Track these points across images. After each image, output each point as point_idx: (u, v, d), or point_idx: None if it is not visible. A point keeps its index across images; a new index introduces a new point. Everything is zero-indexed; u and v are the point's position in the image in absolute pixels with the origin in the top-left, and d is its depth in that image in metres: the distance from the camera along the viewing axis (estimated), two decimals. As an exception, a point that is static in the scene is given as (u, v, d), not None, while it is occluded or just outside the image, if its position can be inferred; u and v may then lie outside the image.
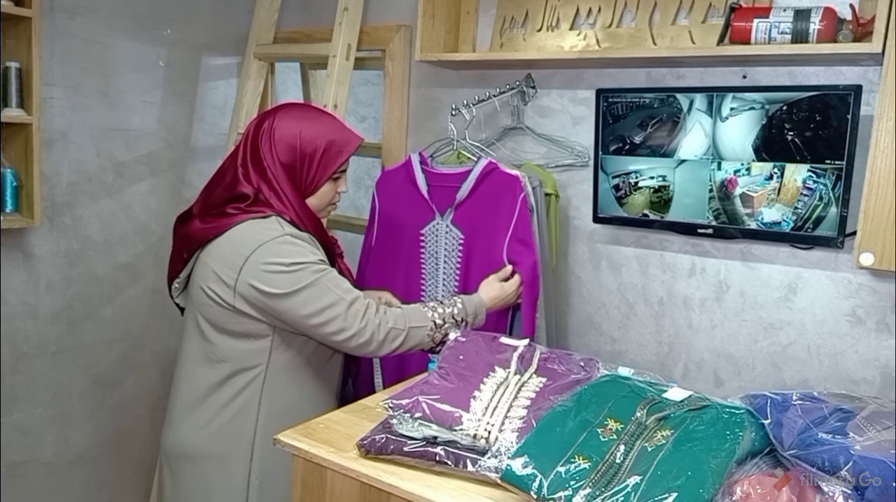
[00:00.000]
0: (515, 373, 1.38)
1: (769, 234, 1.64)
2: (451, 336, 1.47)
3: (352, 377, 1.90)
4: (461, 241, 1.85)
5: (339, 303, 1.44)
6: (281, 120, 1.51)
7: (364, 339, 1.45)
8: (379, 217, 1.98)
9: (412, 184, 1.90)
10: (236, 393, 1.51)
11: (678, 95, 1.69)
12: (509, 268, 1.76)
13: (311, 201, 1.55)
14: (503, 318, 1.83)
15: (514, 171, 1.81)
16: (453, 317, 1.56)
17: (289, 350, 1.53)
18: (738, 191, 1.64)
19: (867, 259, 1.38)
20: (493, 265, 1.79)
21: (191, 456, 1.54)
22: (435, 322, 1.53)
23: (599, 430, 1.11)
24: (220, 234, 1.47)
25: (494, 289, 1.70)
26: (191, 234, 1.53)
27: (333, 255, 1.61)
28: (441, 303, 1.59)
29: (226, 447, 1.52)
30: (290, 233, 1.47)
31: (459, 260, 1.86)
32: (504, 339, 1.51)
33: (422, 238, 1.90)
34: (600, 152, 1.83)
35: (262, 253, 1.42)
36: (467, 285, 1.84)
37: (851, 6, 1.53)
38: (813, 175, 1.54)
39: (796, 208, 1.57)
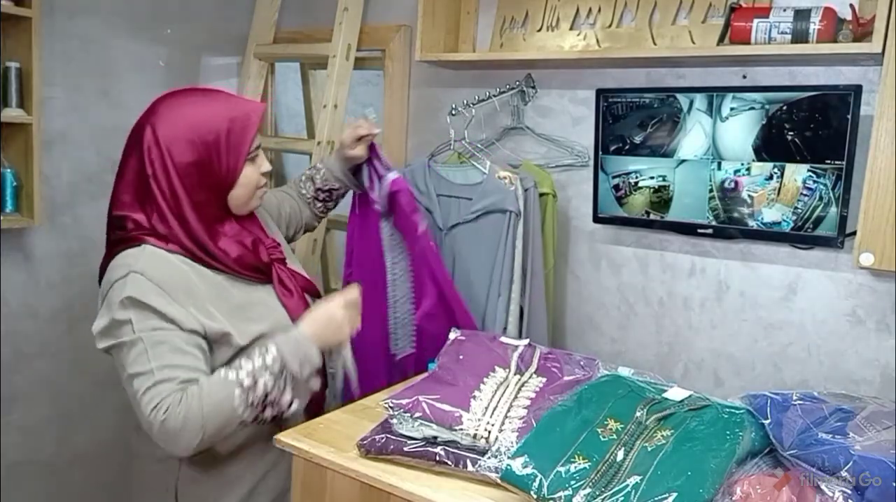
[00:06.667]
0: (515, 373, 1.39)
1: (769, 234, 1.64)
2: (287, 399, 1.29)
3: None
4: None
5: (145, 376, 1.20)
6: (163, 122, 1.29)
7: (154, 432, 1.19)
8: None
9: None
10: None
11: (678, 95, 1.69)
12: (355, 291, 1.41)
13: (237, 192, 1.35)
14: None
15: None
16: (267, 369, 1.24)
17: None
18: (738, 191, 1.64)
19: (867, 259, 1.38)
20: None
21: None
22: (241, 384, 1.22)
23: (599, 430, 1.12)
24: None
25: (320, 317, 1.35)
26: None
27: (261, 263, 1.40)
28: (248, 356, 1.27)
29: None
30: (141, 271, 1.24)
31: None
32: (504, 339, 1.51)
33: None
34: (600, 152, 1.82)
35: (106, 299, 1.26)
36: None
37: (851, 6, 1.53)
38: (813, 175, 1.54)
39: (796, 208, 1.57)
